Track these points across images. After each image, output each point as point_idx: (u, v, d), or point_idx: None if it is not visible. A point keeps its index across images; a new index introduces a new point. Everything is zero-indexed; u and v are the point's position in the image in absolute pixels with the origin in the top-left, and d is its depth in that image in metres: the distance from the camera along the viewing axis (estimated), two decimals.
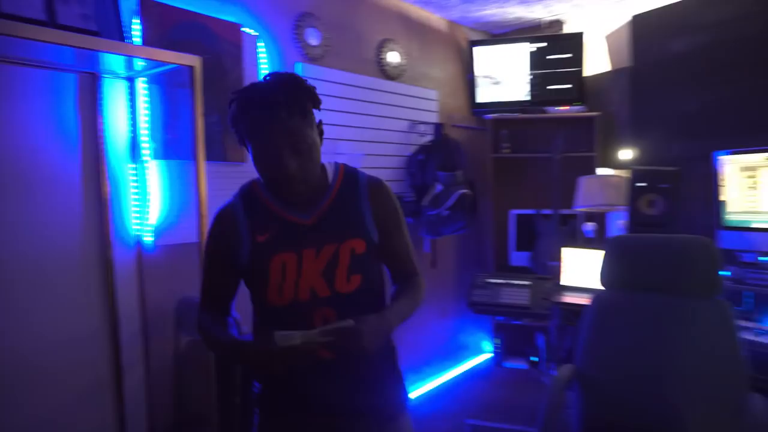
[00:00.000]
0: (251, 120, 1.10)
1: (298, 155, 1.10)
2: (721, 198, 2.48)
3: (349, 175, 1.25)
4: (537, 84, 3.71)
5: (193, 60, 1.84)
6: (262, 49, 2.51)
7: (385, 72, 3.27)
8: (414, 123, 3.43)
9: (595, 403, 1.89)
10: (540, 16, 3.76)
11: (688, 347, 1.79)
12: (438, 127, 3.46)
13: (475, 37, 3.95)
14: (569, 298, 2.57)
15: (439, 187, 3.17)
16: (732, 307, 1.79)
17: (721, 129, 2.94)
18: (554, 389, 1.83)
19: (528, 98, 3.75)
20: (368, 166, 2.98)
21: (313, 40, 2.77)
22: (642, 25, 3.40)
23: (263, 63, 2.51)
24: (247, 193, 1.23)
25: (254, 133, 1.11)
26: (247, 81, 2.38)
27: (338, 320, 1.08)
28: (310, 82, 1.16)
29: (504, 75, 3.78)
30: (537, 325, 3.56)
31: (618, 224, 3.07)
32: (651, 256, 1.92)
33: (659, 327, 1.85)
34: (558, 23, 3.84)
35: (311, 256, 1.17)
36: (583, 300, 2.54)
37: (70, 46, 1.55)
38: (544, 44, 3.68)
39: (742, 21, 2.83)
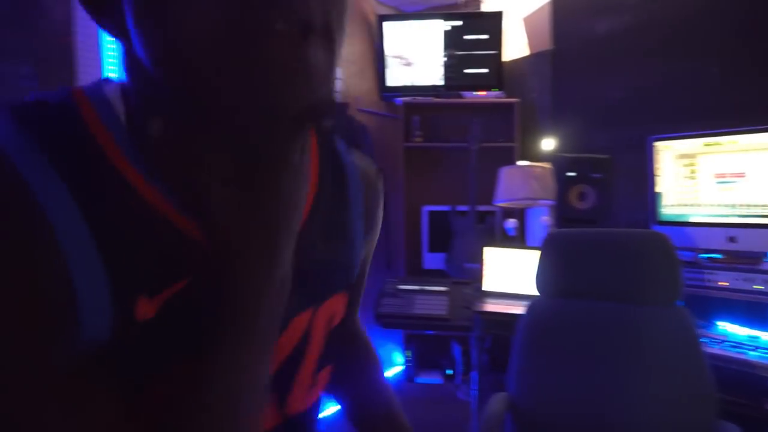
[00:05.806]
0: None
1: (331, 37, 0.39)
2: (657, 189, 2.20)
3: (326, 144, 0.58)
4: (452, 67, 3.35)
5: None
6: None
7: None
8: None
9: None
10: None
11: (645, 366, 1.45)
12: (340, 106, 2.99)
13: (385, 11, 3.53)
14: (493, 306, 2.19)
15: None
16: (692, 316, 1.47)
17: (649, 116, 2.71)
18: (486, 427, 1.42)
19: (442, 82, 3.39)
20: None
21: None
22: (562, 5, 3.13)
23: None
24: (59, 138, 0.39)
25: None
26: (83, 19, 1.78)
27: None
28: None
29: (416, 56, 3.39)
30: (453, 334, 3.21)
31: (542, 220, 2.77)
32: (597, 256, 1.57)
33: (609, 343, 1.50)
34: (475, 1, 3.51)
35: None
36: (510, 308, 2.18)
37: None
38: (460, 23, 3.33)
39: (670, 1, 2.61)
